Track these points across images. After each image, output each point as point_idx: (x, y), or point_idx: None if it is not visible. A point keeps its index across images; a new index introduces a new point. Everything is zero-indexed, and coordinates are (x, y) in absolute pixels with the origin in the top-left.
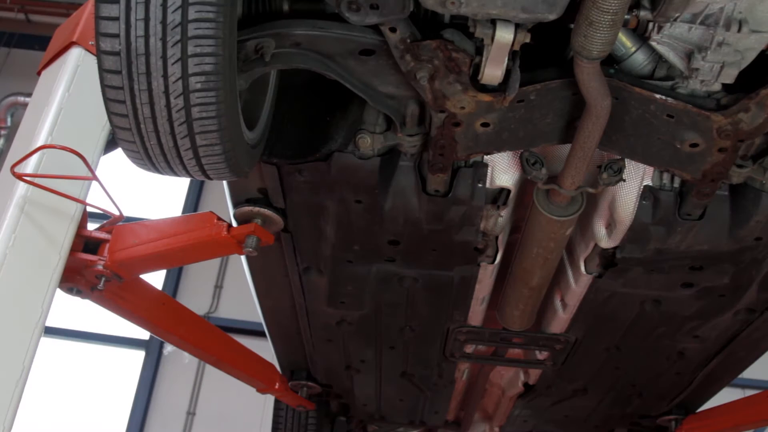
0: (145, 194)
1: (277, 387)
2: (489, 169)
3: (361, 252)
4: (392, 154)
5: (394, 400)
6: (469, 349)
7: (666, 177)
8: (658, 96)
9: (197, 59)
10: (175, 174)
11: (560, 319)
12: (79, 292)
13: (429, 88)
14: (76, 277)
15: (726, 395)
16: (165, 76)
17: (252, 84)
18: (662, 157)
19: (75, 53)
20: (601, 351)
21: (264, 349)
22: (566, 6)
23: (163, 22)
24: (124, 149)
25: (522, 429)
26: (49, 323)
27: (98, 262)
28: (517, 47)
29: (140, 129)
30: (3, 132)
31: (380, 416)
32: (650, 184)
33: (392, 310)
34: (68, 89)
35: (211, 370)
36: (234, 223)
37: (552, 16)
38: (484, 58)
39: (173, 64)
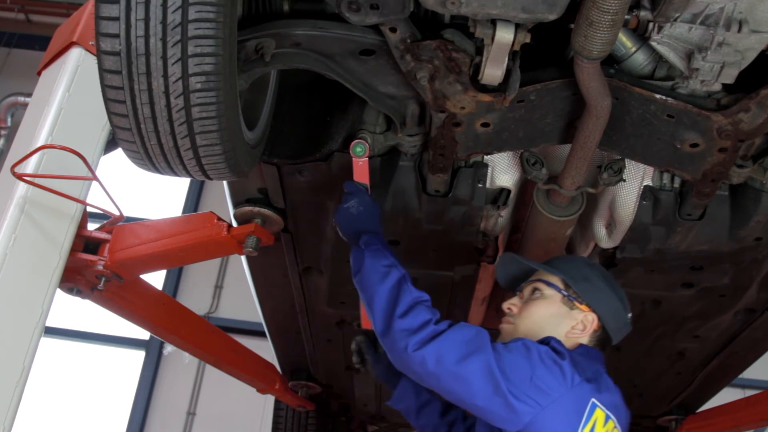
0: (145, 194)
1: (277, 387)
2: (489, 169)
3: None
4: (392, 154)
5: None
6: None
7: (666, 177)
8: (658, 96)
9: (197, 59)
10: (175, 174)
11: None
12: (79, 292)
13: (429, 88)
14: (77, 277)
15: (726, 395)
16: (165, 76)
17: (252, 84)
18: (662, 157)
19: (75, 53)
20: None
21: (264, 349)
22: (566, 6)
23: (164, 22)
24: (124, 149)
25: None
26: (49, 323)
27: (98, 262)
28: (517, 47)
29: (140, 129)
30: (3, 132)
31: (380, 416)
32: (650, 184)
33: None
34: (68, 89)
35: (211, 370)
36: (234, 223)
37: (552, 16)
38: (484, 58)
39: (173, 64)
